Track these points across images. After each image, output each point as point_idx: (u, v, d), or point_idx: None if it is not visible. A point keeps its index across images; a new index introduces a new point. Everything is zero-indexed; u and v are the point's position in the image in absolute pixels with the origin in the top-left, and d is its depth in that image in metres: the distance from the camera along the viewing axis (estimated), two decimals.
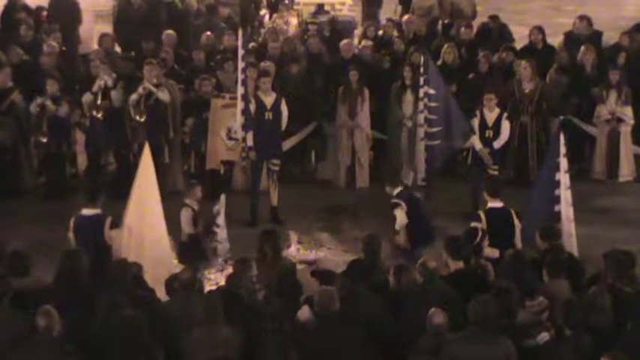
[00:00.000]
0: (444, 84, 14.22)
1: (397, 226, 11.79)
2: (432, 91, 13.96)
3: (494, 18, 18.22)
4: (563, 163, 10.88)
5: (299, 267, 11.55)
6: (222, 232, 11.67)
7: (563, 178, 10.87)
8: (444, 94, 14.05)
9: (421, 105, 14.12)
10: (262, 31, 19.11)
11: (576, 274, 9.78)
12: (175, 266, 11.11)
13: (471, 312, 8.24)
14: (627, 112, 15.59)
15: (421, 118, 14.13)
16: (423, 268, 9.33)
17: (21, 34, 16.98)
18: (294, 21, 19.39)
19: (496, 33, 17.84)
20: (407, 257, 11.38)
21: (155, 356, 8.55)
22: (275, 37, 17.14)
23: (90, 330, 8.73)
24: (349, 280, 9.31)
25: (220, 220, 11.64)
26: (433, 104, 13.98)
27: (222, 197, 11.77)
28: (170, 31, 16.88)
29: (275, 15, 19.49)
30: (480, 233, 10.63)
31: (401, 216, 11.78)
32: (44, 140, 14.63)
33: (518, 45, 17.58)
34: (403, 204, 11.81)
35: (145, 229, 10.28)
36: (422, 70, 14.07)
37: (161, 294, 9.77)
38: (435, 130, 14.00)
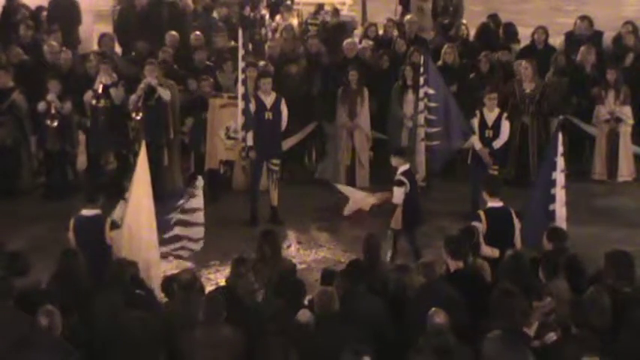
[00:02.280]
0: (444, 84, 14.24)
1: (395, 200, 11.97)
2: (431, 91, 13.98)
3: (493, 17, 18.21)
4: (560, 162, 10.89)
5: (299, 267, 11.55)
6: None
7: (559, 177, 10.88)
8: (444, 94, 14.06)
9: (421, 105, 14.13)
10: (263, 31, 19.11)
11: (577, 275, 9.76)
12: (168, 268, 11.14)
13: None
14: (626, 112, 15.59)
15: (421, 118, 14.14)
16: (425, 268, 9.32)
17: (20, 34, 16.99)
18: (294, 21, 19.39)
19: (500, 32, 17.84)
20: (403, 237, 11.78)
21: (156, 357, 8.57)
22: (277, 36, 17.20)
23: (89, 330, 8.73)
24: (349, 281, 9.30)
25: (196, 202, 11.27)
26: (433, 104, 14.00)
27: (200, 179, 11.51)
28: (173, 32, 16.87)
29: (277, 16, 19.48)
30: (477, 232, 10.65)
31: (399, 194, 11.89)
32: (54, 125, 14.63)
33: (520, 45, 17.61)
34: (407, 184, 11.95)
35: (142, 228, 10.28)
36: (422, 70, 14.09)
37: (158, 294, 9.79)
38: (434, 130, 14.02)
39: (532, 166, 15.35)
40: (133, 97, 14.62)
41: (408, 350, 8.38)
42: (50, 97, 14.69)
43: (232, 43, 16.92)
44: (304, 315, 8.84)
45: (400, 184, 12.08)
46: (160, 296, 9.92)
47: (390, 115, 15.69)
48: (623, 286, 9.06)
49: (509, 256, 9.84)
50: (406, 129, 15.36)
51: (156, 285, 9.97)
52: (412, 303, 9.05)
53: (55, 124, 14.61)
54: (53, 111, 14.55)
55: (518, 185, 14.48)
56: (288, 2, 19.86)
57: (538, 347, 8.33)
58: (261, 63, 15.73)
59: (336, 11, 19.09)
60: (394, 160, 12.34)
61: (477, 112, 14.19)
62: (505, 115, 14.26)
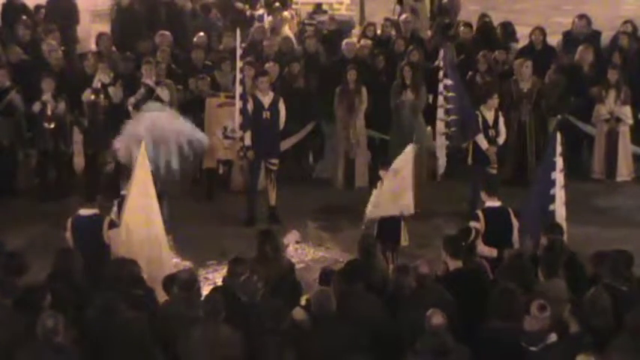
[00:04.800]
0: (460, 78, 14.33)
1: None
2: (449, 82, 14.10)
3: (486, 16, 18.18)
4: (559, 162, 10.88)
5: (298, 267, 11.54)
6: None
7: (559, 177, 10.87)
8: (460, 87, 14.16)
9: (440, 99, 14.22)
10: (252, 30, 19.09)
11: (576, 274, 9.75)
12: (173, 265, 11.11)
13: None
14: (626, 112, 15.56)
15: (440, 112, 14.23)
16: (416, 273, 9.29)
17: (19, 34, 16.96)
18: (288, 20, 19.34)
19: (498, 31, 17.83)
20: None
21: (155, 357, 8.55)
22: (263, 35, 17.19)
23: (85, 330, 8.71)
24: (346, 280, 9.28)
25: None
26: (451, 94, 14.09)
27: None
28: (164, 32, 16.81)
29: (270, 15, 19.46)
30: (474, 232, 10.64)
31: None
32: (52, 126, 14.58)
33: (519, 44, 17.59)
34: None
35: (142, 227, 10.27)
36: (442, 62, 14.18)
37: (159, 293, 9.76)
38: (452, 118, 14.13)
39: (530, 166, 15.33)
40: (131, 100, 14.59)
41: (406, 350, 8.38)
42: (45, 97, 14.65)
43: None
44: (298, 313, 8.84)
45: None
46: (162, 295, 9.89)
47: (393, 114, 15.61)
48: (620, 285, 9.07)
49: (510, 256, 9.83)
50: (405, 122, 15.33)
51: (157, 283, 9.95)
52: (405, 306, 9.02)
53: (53, 125, 14.57)
54: (50, 113, 14.49)
55: (517, 185, 14.45)
56: (277, 4, 19.75)
57: (539, 350, 8.31)
58: (267, 64, 15.67)
59: (332, 19, 19.14)
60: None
61: (478, 113, 14.19)
62: (500, 113, 14.28)
